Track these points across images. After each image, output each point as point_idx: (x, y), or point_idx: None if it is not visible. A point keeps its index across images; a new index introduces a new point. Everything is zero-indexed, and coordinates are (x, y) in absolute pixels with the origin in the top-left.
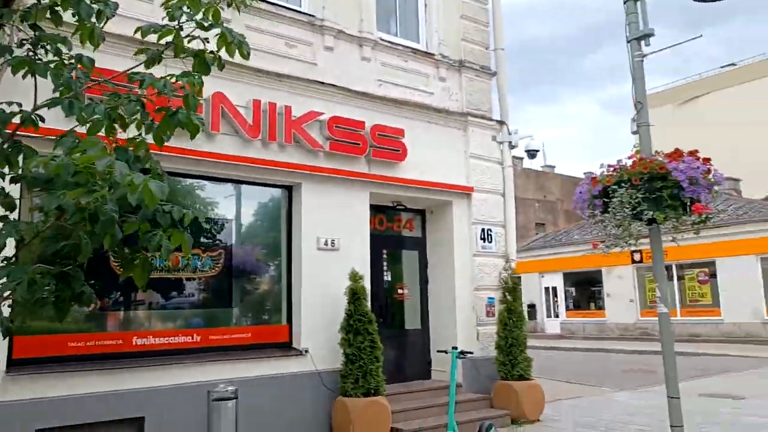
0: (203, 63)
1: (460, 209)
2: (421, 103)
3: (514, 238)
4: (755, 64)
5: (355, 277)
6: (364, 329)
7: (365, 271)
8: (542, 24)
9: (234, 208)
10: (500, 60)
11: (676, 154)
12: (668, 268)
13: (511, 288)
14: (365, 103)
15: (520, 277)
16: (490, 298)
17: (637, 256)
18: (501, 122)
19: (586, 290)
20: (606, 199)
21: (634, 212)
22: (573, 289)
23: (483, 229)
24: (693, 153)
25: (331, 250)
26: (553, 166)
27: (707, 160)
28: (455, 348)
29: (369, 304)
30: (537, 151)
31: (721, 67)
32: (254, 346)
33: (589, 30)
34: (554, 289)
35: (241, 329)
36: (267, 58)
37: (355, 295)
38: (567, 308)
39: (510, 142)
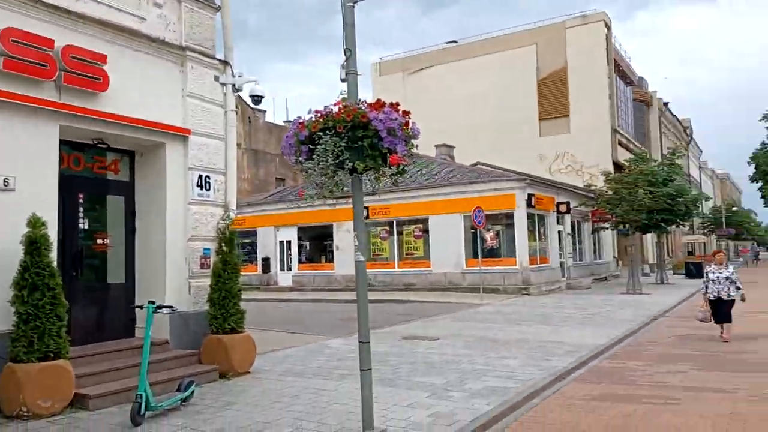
0: None
1: (174, 152)
2: (131, 29)
3: (235, 186)
4: (474, 44)
5: (35, 223)
6: (43, 284)
7: (51, 216)
8: None
9: None
10: None
11: (378, 104)
12: (390, 224)
13: (228, 239)
14: (56, 19)
15: (256, 231)
16: (205, 249)
17: (363, 212)
18: (225, 62)
19: (318, 244)
20: (312, 146)
21: (338, 161)
22: (307, 243)
23: (200, 176)
24: (394, 105)
25: (3, 190)
26: None
27: (407, 113)
28: (152, 302)
29: (54, 255)
30: (262, 97)
31: (446, 43)
32: None
33: None
34: (288, 242)
35: None
36: None
37: (33, 244)
38: (300, 261)
39: (234, 85)
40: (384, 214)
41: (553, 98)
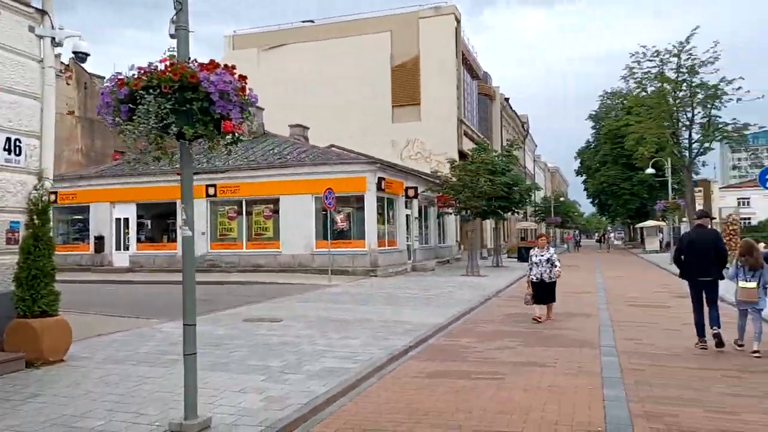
0: None
1: None
2: None
3: (52, 153)
4: (331, 25)
5: None
6: None
7: None
8: None
9: None
10: None
11: (211, 65)
12: (240, 203)
13: (41, 211)
14: None
15: (89, 207)
16: (13, 222)
17: (211, 191)
18: (42, 12)
19: (161, 222)
20: (133, 106)
21: (162, 124)
22: (148, 222)
23: (9, 138)
24: (228, 68)
25: None
26: None
27: (243, 77)
28: None
29: None
30: (87, 54)
31: (302, 21)
32: None
33: None
34: (126, 220)
35: None
36: None
37: None
38: (139, 240)
39: (53, 38)
40: (233, 192)
41: (405, 86)
